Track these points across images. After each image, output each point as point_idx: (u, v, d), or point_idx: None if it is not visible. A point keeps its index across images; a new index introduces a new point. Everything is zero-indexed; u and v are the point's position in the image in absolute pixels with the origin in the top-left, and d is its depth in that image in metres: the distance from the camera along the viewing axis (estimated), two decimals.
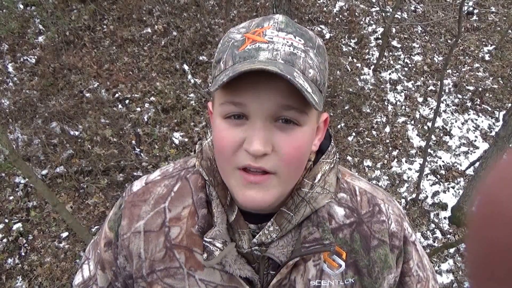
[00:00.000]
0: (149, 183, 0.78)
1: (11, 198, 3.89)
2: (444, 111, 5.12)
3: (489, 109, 5.16)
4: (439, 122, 4.93)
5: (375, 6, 6.21)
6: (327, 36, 5.86)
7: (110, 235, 0.77)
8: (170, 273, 0.71)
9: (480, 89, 5.34)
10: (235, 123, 0.60)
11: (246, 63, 0.57)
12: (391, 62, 5.65)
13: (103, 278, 0.80)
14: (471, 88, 5.38)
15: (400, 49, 5.84)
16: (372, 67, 5.54)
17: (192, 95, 4.88)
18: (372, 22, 6.18)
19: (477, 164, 4.38)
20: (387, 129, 4.89)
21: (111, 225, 0.78)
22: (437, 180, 4.47)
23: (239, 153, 0.60)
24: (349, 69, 5.46)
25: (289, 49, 0.59)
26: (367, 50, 5.77)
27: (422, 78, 5.48)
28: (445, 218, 4.15)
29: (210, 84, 4.98)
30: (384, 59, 5.59)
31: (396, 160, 4.63)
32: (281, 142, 0.59)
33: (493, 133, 4.77)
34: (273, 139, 0.59)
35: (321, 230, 0.68)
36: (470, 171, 4.53)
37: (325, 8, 6.27)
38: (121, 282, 0.78)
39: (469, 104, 5.23)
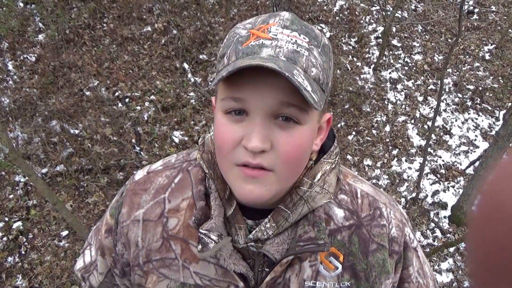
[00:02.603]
0: (151, 173, 0.79)
1: (11, 196, 3.89)
2: (444, 110, 5.12)
3: (489, 108, 5.16)
4: (439, 121, 4.93)
5: (376, 5, 6.20)
6: (327, 35, 5.86)
7: (110, 222, 0.78)
8: (166, 263, 0.72)
9: (480, 88, 5.34)
10: (235, 119, 0.60)
11: (247, 59, 0.57)
12: (391, 61, 5.65)
13: (103, 264, 0.81)
14: (471, 87, 5.37)
15: (400, 48, 5.83)
16: (372, 66, 5.53)
17: (192, 93, 4.88)
18: (372, 21, 6.17)
19: (477, 163, 4.38)
20: (387, 128, 4.89)
21: (112, 212, 0.79)
22: (437, 179, 4.47)
23: (238, 149, 0.60)
24: (349, 68, 5.45)
25: (293, 46, 0.59)
26: (367, 49, 5.77)
27: (422, 77, 5.48)
28: (445, 217, 4.15)
29: (210, 83, 4.98)
30: (384, 58, 5.59)
31: (396, 159, 4.63)
32: (280, 140, 0.59)
33: (493, 132, 4.77)
34: (272, 136, 0.59)
35: (317, 230, 0.67)
36: (470, 170, 4.53)
37: (325, 7, 6.26)
38: (119, 269, 0.78)
39: (469, 103, 5.23)
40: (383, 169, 4.52)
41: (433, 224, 4.09)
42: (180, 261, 0.71)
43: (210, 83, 4.91)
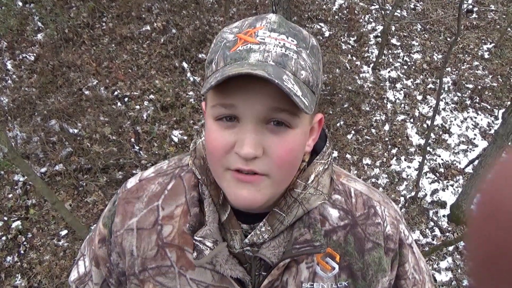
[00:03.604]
0: (143, 180, 0.78)
1: (10, 196, 3.89)
2: (444, 109, 5.12)
3: (488, 107, 5.17)
4: (438, 120, 4.93)
5: (375, 4, 6.20)
6: (327, 34, 5.86)
7: (104, 232, 0.77)
8: (162, 271, 0.71)
9: (479, 87, 5.34)
10: (226, 126, 0.59)
11: (235, 65, 0.56)
12: (391, 60, 5.65)
13: (98, 274, 0.81)
14: (471, 86, 5.38)
15: (399, 47, 5.83)
16: (372, 65, 5.53)
17: (191, 93, 4.88)
18: (371, 20, 6.17)
19: (476, 162, 4.39)
20: (386, 127, 4.89)
21: (105, 221, 0.78)
22: (436, 178, 4.48)
23: (230, 155, 0.59)
24: (349, 67, 5.45)
25: (281, 50, 0.58)
26: (366, 48, 5.77)
27: (421, 76, 5.48)
28: (444, 216, 4.15)
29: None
30: (383, 57, 5.59)
31: (395, 158, 4.63)
32: (273, 145, 0.59)
33: (492, 131, 4.78)
34: (264, 142, 0.58)
35: (312, 232, 0.67)
36: (469, 169, 4.54)
37: (324, 6, 6.26)
38: (115, 279, 0.78)
39: (468, 102, 5.23)
40: (382, 168, 4.52)
41: (432, 223, 4.10)
42: (176, 268, 0.70)
43: None
